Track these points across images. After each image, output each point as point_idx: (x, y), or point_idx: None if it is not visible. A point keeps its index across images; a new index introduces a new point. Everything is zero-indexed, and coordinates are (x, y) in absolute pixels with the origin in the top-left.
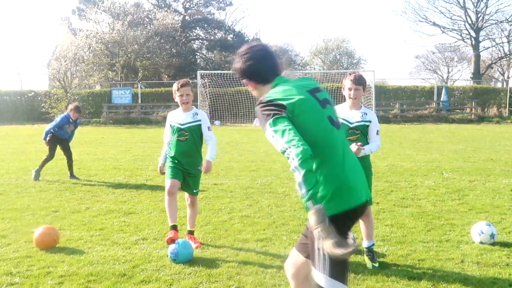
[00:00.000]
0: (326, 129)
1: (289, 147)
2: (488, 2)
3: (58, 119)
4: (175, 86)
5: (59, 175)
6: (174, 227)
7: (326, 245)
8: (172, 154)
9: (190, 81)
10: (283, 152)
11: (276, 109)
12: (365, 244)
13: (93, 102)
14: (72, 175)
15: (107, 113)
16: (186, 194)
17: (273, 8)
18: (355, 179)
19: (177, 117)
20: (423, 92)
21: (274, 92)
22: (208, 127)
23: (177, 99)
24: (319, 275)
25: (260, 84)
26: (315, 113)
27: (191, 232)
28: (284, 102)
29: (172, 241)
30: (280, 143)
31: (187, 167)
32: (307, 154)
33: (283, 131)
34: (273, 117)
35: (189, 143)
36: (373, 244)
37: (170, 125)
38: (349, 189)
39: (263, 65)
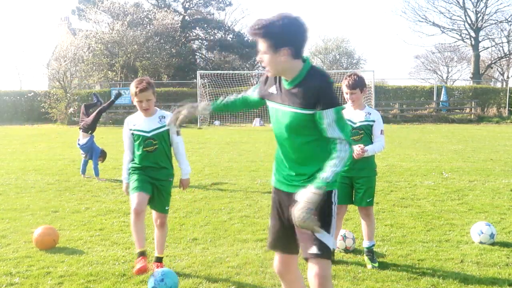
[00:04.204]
0: None
1: (345, 141)
2: (487, 2)
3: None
4: (132, 89)
5: (58, 175)
6: (143, 254)
7: (310, 222)
8: (138, 165)
9: (197, 81)
10: (334, 139)
11: (338, 98)
12: (365, 244)
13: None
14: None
15: (106, 113)
16: (154, 214)
17: (273, 8)
18: None
19: (140, 123)
20: (422, 92)
21: (330, 78)
22: (178, 131)
23: (135, 103)
24: (329, 238)
25: (291, 56)
26: None
27: (159, 260)
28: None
29: (142, 271)
30: (337, 132)
31: (156, 178)
32: (349, 156)
33: (345, 125)
34: (340, 105)
35: (159, 153)
36: (373, 245)
37: (133, 133)
38: None
39: (305, 38)
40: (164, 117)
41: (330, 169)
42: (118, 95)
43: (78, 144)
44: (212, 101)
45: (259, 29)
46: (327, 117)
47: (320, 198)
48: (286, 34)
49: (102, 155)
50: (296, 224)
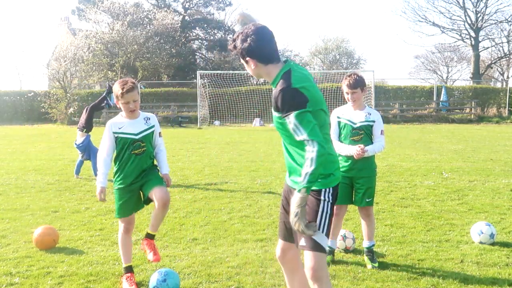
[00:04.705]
0: (326, 122)
1: (312, 141)
2: (487, 2)
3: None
4: (117, 90)
5: (58, 175)
6: (130, 270)
7: (299, 223)
8: (122, 175)
9: (197, 81)
10: (302, 142)
11: (303, 100)
12: (365, 244)
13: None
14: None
15: (106, 113)
16: (156, 194)
17: (273, 8)
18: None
19: (126, 126)
20: (422, 92)
21: (298, 80)
22: (160, 133)
23: (120, 105)
24: (321, 234)
25: (262, 63)
26: (325, 109)
27: (151, 236)
28: (309, 96)
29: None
30: (303, 134)
31: (143, 178)
32: (325, 154)
33: (309, 125)
34: (301, 109)
35: (146, 155)
36: (373, 245)
37: (118, 137)
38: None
39: (268, 44)
40: (149, 118)
41: (303, 172)
42: (110, 89)
43: (75, 143)
44: None
45: (230, 45)
46: (289, 122)
47: (305, 200)
48: (244, 47)
49: None
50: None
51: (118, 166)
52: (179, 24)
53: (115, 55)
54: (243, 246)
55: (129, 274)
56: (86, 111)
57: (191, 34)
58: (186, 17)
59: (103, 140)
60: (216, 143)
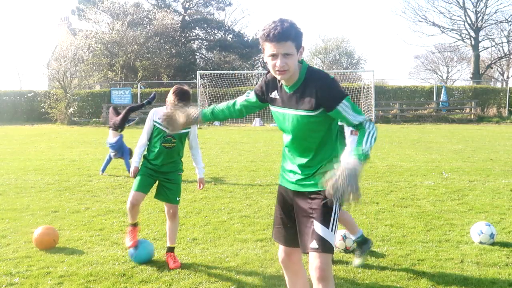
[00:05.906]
0: None
1: (369, 121)
2: (487, 2)
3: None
4: (174, 100)
5: (58, 175)
6: (135, 225)
7: (357, 191)
8: (149, 158)
9: (197, 81)
10: (360, 123)
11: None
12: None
13: (93, 102)
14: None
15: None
16: (166, 205)
17: (273, 8)
18: None
19: None
20: (422, 92)
21: (329, 75)
22: (196, 134)
23: (169, 106)
24: (329, 233)
25: (297, 54)
26: None
27: (171, 249)
28: None
29: (135, 244)
30: (358, 117)
31: (166, 172)
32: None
33: (359, 108)
34: (347, 95)
35: (174, 151)
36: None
37: (155, 126)
38: None
39: None
40: None
41: (365, 139)
42: (152, 100)
43: (108, 142)
44: (205, 107)
45: (289, 31)
46: (343, 110)
47: (361, 169)
48: (301, 34)
49: (130, 153)
50: (338, 194)
51: (149, 150)
52: (179, 24)
53: (115, 55)
54: (243, 246)
55: (131, 228)
56: (114, 110)
57: (191, 34)
58: (186, 17)
59: (145, 125)
60: (216, 143)
